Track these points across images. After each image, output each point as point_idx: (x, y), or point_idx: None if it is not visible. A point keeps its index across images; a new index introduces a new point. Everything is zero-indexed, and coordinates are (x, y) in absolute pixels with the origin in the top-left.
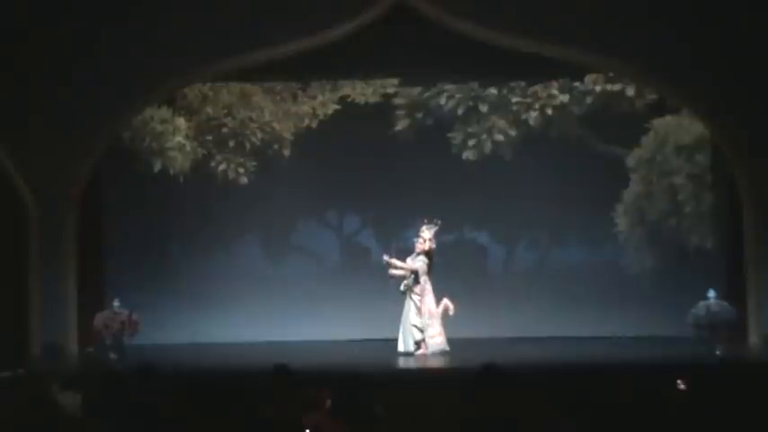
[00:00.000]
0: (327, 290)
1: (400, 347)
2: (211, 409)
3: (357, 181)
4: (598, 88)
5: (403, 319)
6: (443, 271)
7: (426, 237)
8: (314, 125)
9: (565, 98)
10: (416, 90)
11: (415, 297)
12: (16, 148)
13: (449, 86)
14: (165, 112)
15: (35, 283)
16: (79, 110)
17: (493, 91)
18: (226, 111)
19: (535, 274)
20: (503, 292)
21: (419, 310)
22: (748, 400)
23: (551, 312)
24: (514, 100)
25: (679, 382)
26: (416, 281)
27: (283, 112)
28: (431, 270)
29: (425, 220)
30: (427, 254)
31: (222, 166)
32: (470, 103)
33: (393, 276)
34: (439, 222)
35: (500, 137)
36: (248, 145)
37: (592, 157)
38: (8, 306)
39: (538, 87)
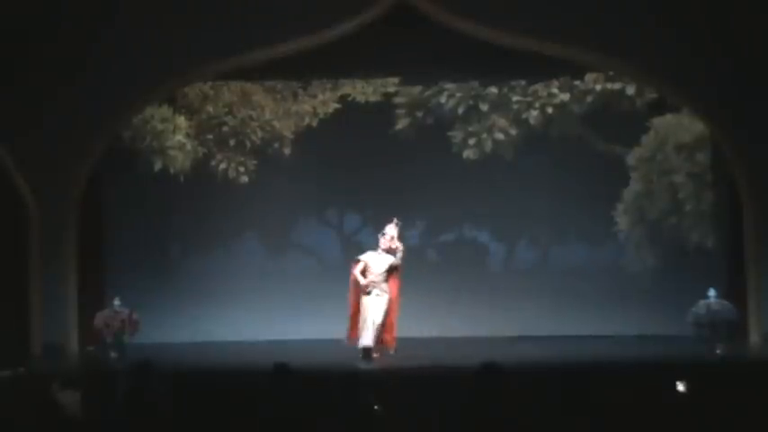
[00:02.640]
0: (327, 288)
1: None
2: (211, 407)
3: (357, 179)
4: (598, 87)
5: (371, 314)
6: (444, 269)
7: (392, 234)
8: (314, 124)
9: (565, 97)
10: (417, 89)
11: (384, 295)
12: (16, 148)
13: (449, 85)
14: (165, 110)
15: (36, 283)
16: (79, 109)
17: (493, 90)
18: (226, 110)
19: (535, 273)
20: (503, 290)
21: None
22: (749, 399)
23: (551, 311)
24: (515, 99)
25: (678, 384)
26: (387, 278)
27: (284, 111)
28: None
29: (395, 220)
30: (394, 252)
31: (223, 165)
32: (471, 102)
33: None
34: (400, 224)
35: (500, 136)
36: (249, 144)
37: (592, 155)
38: (9, 305)
39: (538, 86)
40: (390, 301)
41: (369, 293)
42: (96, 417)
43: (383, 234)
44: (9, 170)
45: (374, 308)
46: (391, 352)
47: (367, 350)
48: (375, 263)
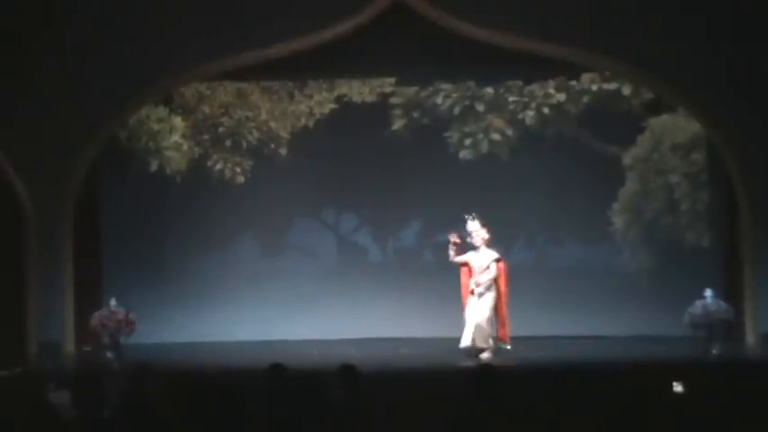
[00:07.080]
0: (324, 288)
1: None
2: (208, 408)
3: (353, 180)
4: (594, 87)
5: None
6: (439, 270)
7: (475, 229)
8: (311, 124)
9: (561, 97)
10: (413, 89)
11: (487, 293)
12: (12, 148)
13: (445, 86)
14: (161, 111)
15: (32, 283)
16: (75, 109)
17: (489, 90)
18: (222, 110)
19: (531, 273)
20: None
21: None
22: (745, 399)
23: (547, 311)
24: (511, 99)
25: (675, 384)
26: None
27: (280, 112)
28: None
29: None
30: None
31: (219, 166)
32: (467, 103)
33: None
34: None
35: (497, 136)
36: (245, 144)
37: (588, 155)
38: (5, 305)
39: (534, 86)
40: (499, 296)
41: (473, 294)
42: (91, 417)
43: (470, 235)
44: (5, 170)
45: (476, 309)
46: (507, 347)
47: (470, 350)
48: (476, 262)
